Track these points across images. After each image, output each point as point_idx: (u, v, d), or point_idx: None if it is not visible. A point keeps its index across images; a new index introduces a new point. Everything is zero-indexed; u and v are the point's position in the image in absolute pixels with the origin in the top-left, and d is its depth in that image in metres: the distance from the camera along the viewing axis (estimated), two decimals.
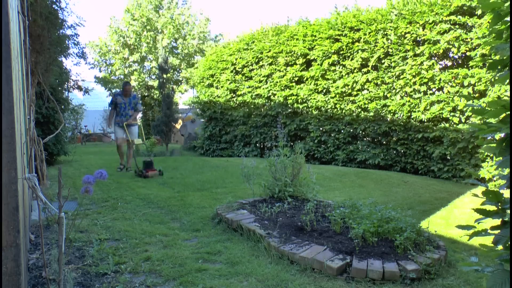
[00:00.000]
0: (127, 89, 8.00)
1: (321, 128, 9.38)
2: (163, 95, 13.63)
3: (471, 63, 6.87)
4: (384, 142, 8.45)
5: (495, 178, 6.33)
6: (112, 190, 5.85)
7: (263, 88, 10.67)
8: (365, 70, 8.49)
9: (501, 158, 1.39)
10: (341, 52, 8.86)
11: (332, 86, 9.04)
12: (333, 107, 9.05)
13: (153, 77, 22.22)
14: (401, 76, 7.86)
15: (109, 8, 47.85)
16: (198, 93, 13.37)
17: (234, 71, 11.68)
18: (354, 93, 8.66)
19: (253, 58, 10.95)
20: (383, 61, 8.20)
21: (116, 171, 7.98)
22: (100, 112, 23.30)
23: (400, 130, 7.92)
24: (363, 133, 8.67)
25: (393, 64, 8.00)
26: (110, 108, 8.25)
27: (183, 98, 23.11)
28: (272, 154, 4.79)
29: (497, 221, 1.43)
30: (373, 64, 8.30)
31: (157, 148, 13.50)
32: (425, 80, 7.45)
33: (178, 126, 17.10)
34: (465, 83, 6.86)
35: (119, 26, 21.47)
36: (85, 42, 22.82)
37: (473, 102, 6.76)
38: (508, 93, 6.11)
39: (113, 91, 8.03)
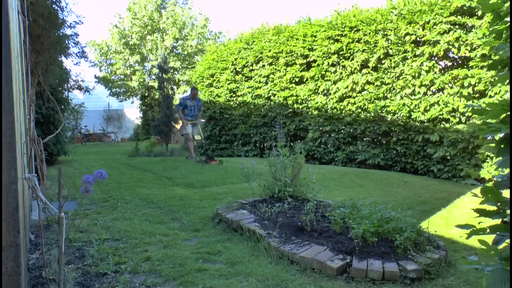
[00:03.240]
0: (195, 93, 9.48)
1: (321, 128, 9.38)
2: (163, 95, 13.63)
3: (471, 64, 6.87)
4: (384, 142, 8.45)
5: (495, 179, 6.33)
6: (112, 190, 5.85)
7: (263, 89, 10.67)
8: (365, 70, 8.49)
9: (500, 158, 1.39)
10: (341, 53, 8.86)
11: (332, 87, 9.04)
12: (333, 107, 9.05)
13: (153, 77, 22.22)
14: (401, 77, 7.86)
15: (110, 7, 47.87)
16: (198, 93, 13.36)
17: (234, 71, 11.68)
18: (354, 94, 8.67)
19: (253, 58, 10.96)
20: (383, 61, 8.20)
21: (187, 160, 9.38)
22: (100, 112, 23.31)
23: (400, 130, 7.92)
24: (363, 133, 8.67)
25: (393, 65, 8.00)
26: (179, 108, 9.58)
27: None
28: (272, 154, 4.79)
29: (497, 221, 1.43)
30: (373, 64, 8.30)
31: (157, 148, 13.50)
32: (425, 81, 7.45)
33: (178, 126, 17.10)
34: (465, 84, 6.86)
35: (121, 25, 21.49)
36: (86, 41, 22.84)
37: (473, 102, 6.76)
38: (508, 94, 6.11)
39: (180, 96, 9.86)
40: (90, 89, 11.62)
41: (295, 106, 9.87)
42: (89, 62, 18.92)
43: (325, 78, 9.23)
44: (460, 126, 6.96)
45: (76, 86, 10.69)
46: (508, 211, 1.40)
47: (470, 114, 6.91)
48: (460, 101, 6.97)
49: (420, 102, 7.54)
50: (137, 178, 7.05)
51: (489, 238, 1.44)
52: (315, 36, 9.39)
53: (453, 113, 7.12)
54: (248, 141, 11.32)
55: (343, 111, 8.86)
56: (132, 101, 24.15)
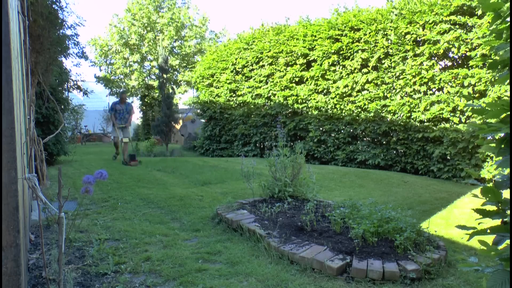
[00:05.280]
0: (123, 97, 9.94)
1: (321, 128, 9.38)
2: (163, 95, 13.63)
3: (471, 63, 6.87)
4: (384, 142, 8.45)
5: (495, 178, 6.32)
6: (112, 190, 5.85)
7: (263, 88, 10.67)
8: (365, 70, 8.49)
9: (500, 158, 1.39)
10: (341, 52, 8.86)
11: (332, 87, 9.04)
12: (333, 107, 9.05)
13: (153, 77, 22.22)
14: (401, 76, 7.86)
15: (110, 6, 47.87)
16: (198, 93, 13.37)
17: (234, 71, 11.68)
18: (354, 93, 8.67)
19: (253, 58, 10.96)
20: (383, 61, 8.20)
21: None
22: (100, 112, 23.30)
23: (400, 130, 7.92)
24: (363, 133, 8.67)
25: (393, 64, 8.00)
26: (111, 113, 9.92)
27: (183, 98, 23.10)
28: (272, 154, 4.79)
29: (497, 222, 1.43)
30: (373, 64, 8.30)
31: (157, 148, 13.50)
32: (425, 80, 7.45)
33: (178, 126, 17.09)
34: (465, 83, 6.86)
35: (120, 25, 21.47)
36: (86, 40, 22.82)
37: (473, 102, 6.76)
38: (508, 93, 6.11)
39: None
40: (88, 92, 11.62)
41: (295, 105, 9.87)
42: (89, 61, 18.88)
43: (325, 78, 9.23)
44: (460, 126, 6.96)
45: (76, 87, 10.69)
46: (508, 211, 1.40)
47: (470, 113, 6.91)
48: (460, 100, 6.97)
49: (420, 101, 7.54)
50: (137, 178, 7.05)
51: (489, 239, 1.44)
52: (315, 36, 9.39)
53: (453, 113, 7.12)
54: (248, 141, 11.31)
55: (343, 111, 8.86)
56: (132, 101, 24.14)
